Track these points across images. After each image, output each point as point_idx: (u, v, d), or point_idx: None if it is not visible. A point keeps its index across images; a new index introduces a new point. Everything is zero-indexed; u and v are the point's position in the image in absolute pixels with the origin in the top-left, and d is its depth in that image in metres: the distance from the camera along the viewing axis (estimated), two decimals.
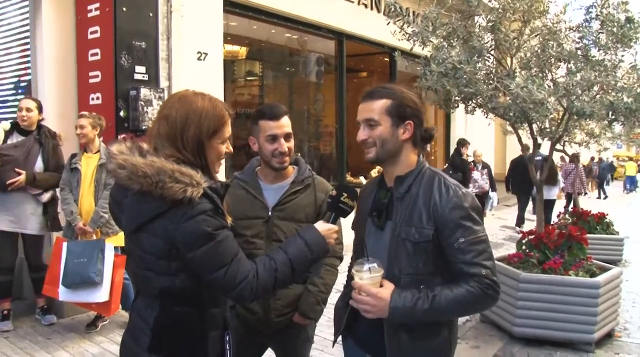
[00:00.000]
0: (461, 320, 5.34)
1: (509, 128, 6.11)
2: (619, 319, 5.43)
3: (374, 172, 10.18)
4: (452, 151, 12.03)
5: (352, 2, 9.44)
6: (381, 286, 1.95)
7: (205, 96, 1.88)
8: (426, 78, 5.13)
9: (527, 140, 5.97)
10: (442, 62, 4.93)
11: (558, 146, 6.03)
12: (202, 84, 5.06)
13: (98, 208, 4.85)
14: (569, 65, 5.18)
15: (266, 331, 2.60)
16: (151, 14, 5.87)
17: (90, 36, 5.72)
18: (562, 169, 13.67)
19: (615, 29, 4.90)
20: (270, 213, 2.54)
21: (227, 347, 1.95)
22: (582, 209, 9.05)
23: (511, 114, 5.10)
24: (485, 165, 11.34)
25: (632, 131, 7.60)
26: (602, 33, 5.01)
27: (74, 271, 4.58)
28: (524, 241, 5.53)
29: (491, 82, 5.16)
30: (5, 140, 5.01)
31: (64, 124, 5.61)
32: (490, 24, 5.25)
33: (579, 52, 5.09)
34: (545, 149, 6.30)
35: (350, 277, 2.13)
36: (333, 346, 2.45)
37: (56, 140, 5.20)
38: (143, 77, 5.76)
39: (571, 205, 12.72)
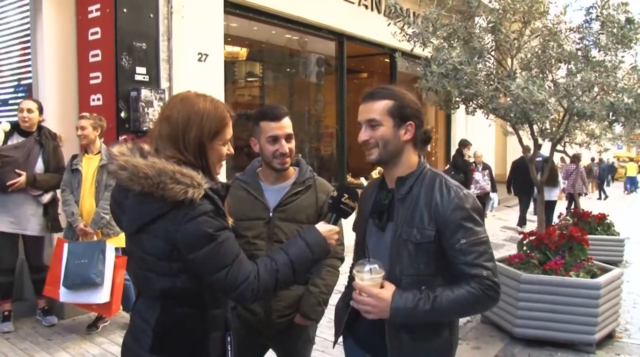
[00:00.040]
0: (462, 321, 5.34)
1: (510, 129, 6.11)
2: (620, 320, 5.43)
3: (375, 173, 10.19)
4: (452, 152, 12.03)
5: (353, 3, 9.45)
6: (382, 287, 1.95)
7: (207, 98, 1.88)
8: (427, 79, 5.13)
9: (528, 141, 5.97)
10: (443, 63, 4.94)
11: (559, 147, 6.03)
12: (203, 85, 5.05)
13: (99, 209, 4.85)
14: (570, 66, 5.18)
15: (267, 332, 2.60)
16: (152, 15, 5.88)
17: (90, 37, 5.73)
18: (564, 169, 13.66)
19: (615, 30, 4.90)
20: (271, 214, 2.54)
21: (229, 348, 1.95)
22: (582, 210, 9.05)
23: (512, 114, 5.10)
24: (486, 166, 11.34)
25: (633, 132, 7.59)
26: (603, 34, 5.02)
27: (75, 272, 4.58)
28: (524, 242, 5.53)
29: (492, 83, 5.17)
30: (5, 141, 5.01)
31: (65, 125, 5.61)
32: (490, 25, 5.26)
33: (580, 53, 5.09)
34: (545, 150, 6.30)
35: (351, 278, 2.13)
36: (334, 347, 2.44)
37: (57, 142, 5.21)
38: (144, 78, 5.77)
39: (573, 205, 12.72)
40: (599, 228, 8.69)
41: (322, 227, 1.97)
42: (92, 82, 5.77)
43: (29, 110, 5.00)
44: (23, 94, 6.04)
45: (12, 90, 6.31)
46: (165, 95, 5.90)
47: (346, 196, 2.02)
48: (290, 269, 1.85)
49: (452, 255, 1.95)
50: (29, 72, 5.95)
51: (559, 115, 5.57)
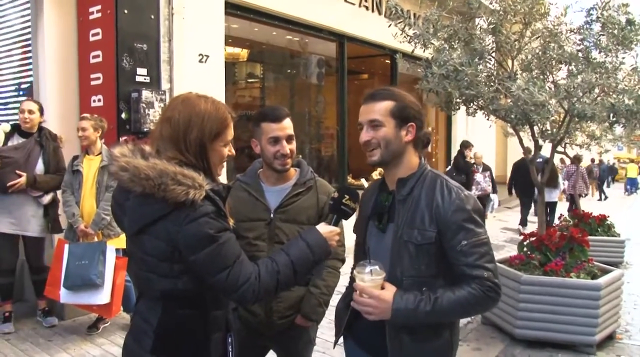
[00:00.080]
0: (462, 322, 5.34)
1: (510, 130, 6.11)
2: (620, 321, 5.43)
3: (375, 174, 10.18)
4: (453, 153, 12.02)
5: (353, 4, 9.45)
6: (382, 288, 1.95)
7: (208, 99, 1.89)
8: (427, 80, 5.13)
9: (529, 143, 5.97)
10: (444, 64, 4.93)
11: (559, 148, 6.03)
12: (204, 86, 5.06)
13: (100, 210, 4.86)
14: (570, 68, 5.18)
15: (268, 333, 2.60)
16: (152, 16, 5.89)
17: (91, 38, 5.73)
18: (565, 170, 13.66)
19: (616, 31, 4.90)
20: (272, 215, 2.54)
21: (230, 349, 1.95)
22: (583, 211, 9.05)
23: (512, 116, 5.10)
24: (486, 168, 11.33)
25: (633, 133, 7.59)
26: (603, 35, 5.02)
27: (76, 273, 4.59)
28: (525, 243, 5.53)
29: (492, 84, 5.17)
30: (5, 142, 5.02)
31: (66, 126, 5.61)
32: (491, 26, 5.26)
33: (580, 54, 5.09)
34: (546, 151, 6.30)
35: (352, 279, 2.13)
36: (334, 347, 2.45)
37: (57, 143, 5.21)
38: (144, 79, 5.77)
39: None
40: (599, 229, 8.70)
41: (323, 228, 1.97)
42: (93, 83, 5.77)
43: (30, 111, 5.01)
44: (24, 95, 6.04)
45: (12, 91, 6.31)
46: (166, 97, 5.91)
47: (347, 197, 2.02)
48: (291, 270, 1.85)
49: (453, 256, 1.96)
50: (30, 73, 5.95)
51: (559, 116, 5.57)
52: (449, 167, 11.13)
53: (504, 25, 5.28)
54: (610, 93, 5.00)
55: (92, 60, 5.75)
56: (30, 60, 5.93)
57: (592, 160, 25.14)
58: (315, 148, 10.95)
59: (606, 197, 23.73)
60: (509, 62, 5.45)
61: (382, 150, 2.02)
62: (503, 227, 12.46)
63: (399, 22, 5.31)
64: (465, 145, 10.67)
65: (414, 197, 2.03)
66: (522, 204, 12.06)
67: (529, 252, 5.40)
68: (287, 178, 2.63)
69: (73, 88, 5.88)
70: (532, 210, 12.13)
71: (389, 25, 5.43)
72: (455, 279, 1.97)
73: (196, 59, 6.51)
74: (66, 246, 4.73)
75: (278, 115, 2.50)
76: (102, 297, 4.63)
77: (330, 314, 2.52)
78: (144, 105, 5.64)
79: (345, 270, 2.60)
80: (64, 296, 4.69)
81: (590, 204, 16.44)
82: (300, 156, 2.84)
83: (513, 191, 12.18)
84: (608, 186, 29.96)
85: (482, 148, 12.06)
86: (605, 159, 29.90)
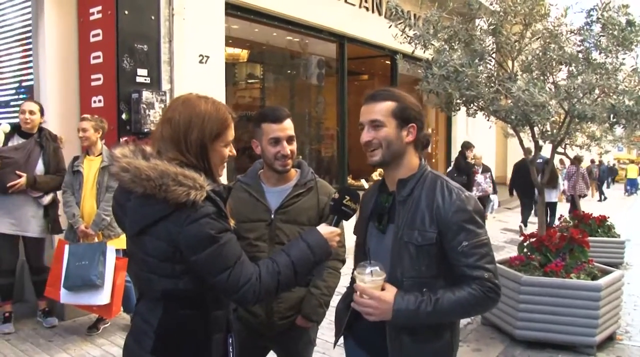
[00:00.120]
0: (463, 323, 5.34)
1: (510, 131, 6.11)
2: (621, 322, 5.43)
3: (375, 175, 10.19)
4: (453, 154, 12.01)
5: (354, 5, 9.45)
6: (383, 289, 1.95)
7: (209, 99, 1.89)
8: (428, 81, 5.13)
9: (529, 143, 5.97)
10: (444, 65, 4.94)
11: (559, 149, 6.03)
12: (204, 87, 5.06)
13: (100, 211, 4.86)
14: (570, 68, 5.18)
15: (268, 334, 2.60)
16: (153, 17, 5.89)
17: (92, 39, 5.74)
18: (565, 171, 13.65)
19: (616, 32, 4.90)
20: (273, 216, 2.54)
21: (230, 350, 1.95)
22: (583, 211, 9.05)
23: (513, 117, 5.11)
24: (486, 168, 11.32)
25: (633, 134, 7.59)
26: (603, 36, 5.02)
27: (76, 274, 4.59)
28: (525, 244, 5.54)
29: (493, 85, 5.17)
30: (5, 143, 5.02)
31: (66, 126, 5.62)
32: (491, 27, 5.26)
33: (580, 55, 5.09)
34: (546, 151, 6.30)
35: (354, 280, 2.13)
36: (334, 347, 2.45)
37: (57, 143, 5.21)
38: (145, 80, 5.78)
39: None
40: (599, 230, 8.70)
41: (324, 229, 1.98)
42: (93, 83, 5.77)
43: (31, 112, 5.01)
44: (24, 96, 6.04)
45: (13, 91, 6.32)
46: (167, 97, 5.91)
47: (348, 197, 2.02)
48: (292, 271, 1.85)
49: (454, 257, 1.96)
50: (31, 73, 5.96)
51: (559, 117, 5.57)
52: (450, 168, 11.12)
53: (504, 26, 5.28)
54: (611, 94, 5.00)
55: (92, 61, 5.76)
56: (31, 61, 5.93)
57: (592, 161, 25.15)
58: (315, 149, 10.95)
59: (605, 198, 23.74)
60: (509, 63, 5.45)
61: (383, 151, 2.03)
62: (503, 228, 12.46)
63: (400, 23, 5.32)
64: (467, 146, 10.66)
65: (414, 198, 2.03)
66: (523, 205, 12.05)
67: (529, 253, 5.40)
68: (288, 179, 2.63)
69: (73, 88, 5.88)
70: (533, 211, 12.12)
71: (390, 26, 5.44)
72: (456, 279, 1.97)
73: (196, 59, 6.51)
74: (66, 247, 4.73)
75: (279, 116, 2.50)
76: (102, 297, 4.63)
77: (330, 314, 2.52)
78: (144, 106, 5.64)
79: (345, 271, 2.60)
80: (64, 297, 4.69)
81: (590, 205, 16.43)
82: (300, 157, 2.84)
83: (514, 192, 12.18)
84: (608, 187, 29.97)
85: (482, 149, 12.07)
86: (606, 160, 29.89)
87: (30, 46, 5.91)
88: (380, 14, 10.02)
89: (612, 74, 4.97)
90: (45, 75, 5.70)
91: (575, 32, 5.24)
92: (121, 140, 5.49)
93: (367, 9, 9.80)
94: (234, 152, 1.96)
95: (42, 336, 4.98)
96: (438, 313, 1.91)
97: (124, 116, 5.63)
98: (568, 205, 13.86)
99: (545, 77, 5.27)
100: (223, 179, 2.00)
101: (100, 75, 5.70)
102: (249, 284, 1.76)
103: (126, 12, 5.58)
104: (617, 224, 9.24)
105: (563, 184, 12.88)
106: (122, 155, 1.78)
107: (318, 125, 11.19)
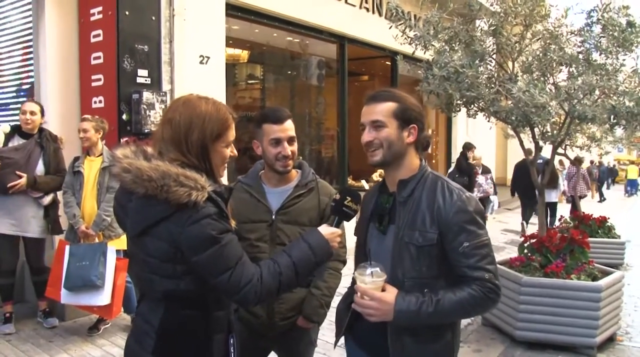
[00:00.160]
0: (463, 323, 5.34)
1: (511, 132, 6.11)
2: (621, 323, 5.43)
3: (376, 176, 10.19)
4: (453, 155, 11.99)
5: (354, 5, 9.46)
6: (383, 290, 1.95)
7: (209, 100, 1.89)
8: (428, 82, 5.13)
9: (529, 144, 5.97)
10: (444, 66, 4.93)
11: (560, 150, 6.03)
12: (205, 87, 5.07)
13: (100, 211, 4.86)
14: (571, 69, 5.18)
15: (270, 335, 2.60)
16: (154, 18, 5.90)
17: (93, 39, 5.74)
18: (566, 172, 13.64)
19: (616, 33, 4.90)
20: (273, 217, 2.54)
21: (232, 351, 1.95)
22: (583, 212, 9.05)
23: (513, 118, 5.11)
24: (486, 169, 11.32)
25: (633, 135, 7.60)
26: (604, 37, 5.02)
27: (76, 274, 4.59)
28: (525, 245, 5.54)
29: (493, 86, 5.17)
30: (5, 143, 5.02)
31: (67, 127, 5.62)
32: (492, 28, 5.26)
33: (581, 56, 5.09)
34: (546, 152, 6.30)
35: (355, 281, 2.14)
36: (334, 347, 2.45)
37: (57, 144, 5.21)
38: (145, 80, 5.78)
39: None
40: (599, 231, 8.69)
41: (325, 229, 1.98)
42: (94, 84, 5.78)
43: (32, 113, 5.01)
44: (25, 96, 6.05)
45: (13, 92, 6.33)
46: (167, 98, 5.91)
47: (349, 198, 2.02)
48: (293, 272, 1.85)
49: (454, 258, 1.96)
50: (31, 74, 5.97)
51: (560, 118, 5.57)
52: (452, 169, 11.11)
53: (505, 27, 5.28)
54: (611, 95, 5.00)
55: (93, 62, 5.76)
56: (32, 61, 5.94)
57: (592, 162, 25.13)
58: (315, 149, 10.95)
59: (604, 199, 23.73)
60: (510, 64, 5.45)
61: (384, 151, 2.03)
62: (503, 229, 12.46)
63: (400, 24, 5.32)
64: (468, 147, 10.66)
65: (414, 198, 2.03)
66: (523, 205, 12.05)
67: (529, 254, 5.40)
68: (289, 180, 2.63)
69: (74, 89, 5.89)
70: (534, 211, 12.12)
71: (390, 27, 5.44)
72: (456, 280, 1.97)
73: (197, 60, 6.52)
74: (67, 247, 4.74)
75: (279, 117, 2.50)
76: (103, 298, 4.63)
77: (331, 315, 2.52)
78: (144, 106, 5.65)
79: (346, 272, 2.60)
80: (65, 297, 4.70)
81: (590, 206, 16.43)
82: (301, 158, 2.84)
83: (515, 193, 12.17)
84: (608, 188, 29.96)
85: (482, 150, 12.07)
86: (606, 160, 29.88)
87: (31, 47, 5.92)
88: (380, 14, 10.03)
89: (613, 75, 4.97)
90: (46, 75, 5.70)
91: (575, 33, 5.24)
92: (122, 140, 5.50)
93: (367, 9, 9.81)
94: (235, 152, 1.96)
95: (42, 336, 4.98)
96: (439, 314, 1.92)
97: (124, 117, 5.63)
98: (569, 206, 13.86)
99: (546, 78, 5.27)
100: (223, 180, 2.00)
101: (100, 76, 5.70)
102: (250, 284, 1.76)
103: (127, 13, 5.59)
104: (617, 225, 9.23)
105: (563, 185, 12.87)
106: (123, 156, 1.79)
107: (318, 126, 11.19)
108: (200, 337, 1.85)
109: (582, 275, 5.01)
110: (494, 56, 5.49)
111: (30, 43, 5.92)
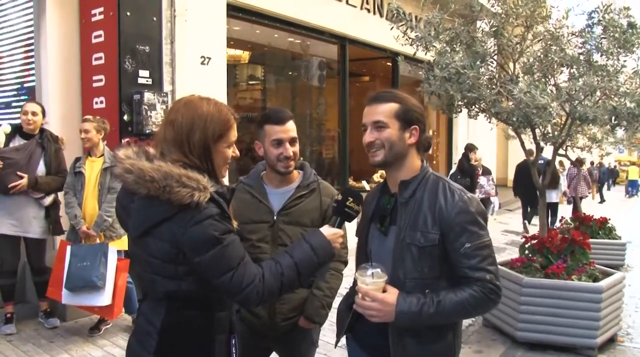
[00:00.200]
0: (464, 324, 5.32)
1: (512, 133, 6.11)
2: (622, 323, 5.43)
3: (377, 177, 10.19)
4: (454, 156, 11.98)
5: (355, 6, 9.46)
6: (384, 291, 1.95)
7: (211, 101, 1.89)
8: (429, 83, 5.13)
9: (530, 145, 5.97)
10: (446, 67, 4.93)
11: (560, 151, 6.03)
12: (206, 88, 5.07)
13: (102, 212, 4.86)
14: (572, 71, 5.19)
15: (271, 335, 2.61)
16: (155, 19, 5.90)
17: (94, 40, 5.75)
18: (567, 173, 13.64)
19: (617, 35, 4.91)
20: (275, 217, 2.54)
21: (233, 351, 1.95)
22: (584, 213, 9.06)
23: (514, 118, 5.11)
24: (486, 170, 11.32)
25: (634, 136, 7.61)
26: (605, 38, 5.02)
27: (77, 275, 4.59)
28: (526, 246, 5.53)
29: (494, 87, 5.17)
30: (6, 144, 5.02)
31: (68, 127, 5.63)
32: (493, 29, 5.27)
33: (582, 57, 5.10)
34: (547, 153, 6.30)
35: (356, 282, 2.14)
36: (335, 347, 2.45)
37: (58, 144, 5.21)
38: (147, 81, 5.79)
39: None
40: (600, 232, 8.69)
41: (327, 230, 1.98)
42: (95, 85, 5.78)
43: (34, 113, 5.01)
44: (26, 97, 6.05)
45: (15, 92, 6.33)
46: (168, 99, 5.92)
47: (351, 199, 2.02)
48: (295, 272, 1.85)
49: (456, 258, 1.96)
50: (32, 74, 5.97)
51: (561, 119, 5.57)
52: (453, 169, 11.11)
53: (506, 28, 5.28)
54: (612, 96, 5.00)
55: (94, 62, 5.77)
56: (33, 62, 5.94)
57: (592, 163, 25.12)
58: (316, 150, 10.96)
59: (603, 201, 23.71)
60: (511, 65, 5.45)
61: (386, 152, 2.03)
62: (504, 230, 12.45)
63: (401, 25, 5.32)
64: (470, 148, 10.65)
65: (416, 199, 2.03)
66: (524, 205, 12.05)
67: (530, 255, 5.40)
68: (290, 180, 2.63)
69: (75, 90, 5.90)
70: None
71: (391, 28, 5.44)
72: (456, 280, 1.97)
73: (198, 61, 6.52)
74: (68, 248, 4.74)
75: (281, 118, 2.51)
76: (104, 298, 4.63)
77: (332, 316, 2.52)
78: (146, 107, 5.65)
79: (347, 272, 2.60)
80: (66, 297, 4.70)
81: (591, 207, 16.42)
82: (302, 159, 2.85)
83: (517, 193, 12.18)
84: (609, 189, 29.95)
85: (483, 151, 12.07)
86: (607, 161, 29.87)
87: (32, 47, 5.93)
88: (381, 15, 10.04)
89: (614, 76, 4.98)
90: (47, 76, 5.71)
91: (576, 34, 5.25)
92: (123, 141, 5.50)
93: (368, 10, 9.81)
94: (237, 153, 1.96)
95: (43, 336, 4.98)
96: (440, 314, 1.92)
97: (125, 117, 5.64)
98: (570, 207, 13.86)
99: (547, 79, 5.28)
100: (224, 181, 2.00)
101: (102, 77, 5.71)
102: (252, 285, 1.76)
103: (128, 14, 5.60)
104: (618, 226, 9.23)
105: (564, 186, 12.87)
106: (125, 157, 1.79)
107: (319, 127, 11.20)
108: (202, 337, 1.85)
109: (583, 276, 5.01)
110: (495, 57, 5.50)
111: (32, 44, 5.93)
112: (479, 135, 13.09)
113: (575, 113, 4.91)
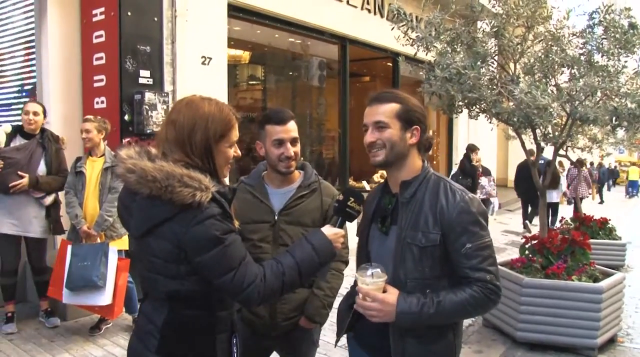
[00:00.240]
0: (464, 324, 5.33)
1: (512, 133, 6.11)
2: (622, 324, 5.44)
3: (377, 177, 10.19)
4: (454, 156, 11.97)
5: (356, 7, 9.46)
6: (384, 291, 1.95)
7: (212, 101, 1.90)
8: (430, 83, 5.13)
9: (531, 146, 5.97)
10: (446, 67, 4.93)
11: (561, 151, 6.03)
12: (206, 88, 5.06)
13: (102, 211, 4.87)
14: (573, 71, 5.19)
15: (272, 335, 2.61)
16: (156, 19, 5.91)
17: (95, 40, 5.76)
18: (568, 173, 13.63)
19: (618, 35, 4.91)
20: (276, 217, 2.55)
21: (234, 350, 1.96)
22: (584, 214, 9.06)
23: (515, 119, 5.10)
24: (486, 171, 11.31)
25: (635, 136, 7.61)
26: (606, 39, 5.02)
27: (78, 274, 4.60)
28: (527, 246, 5.54)
29: (495, 87, 5.17)
30: (7, 143, 5.03)
31: (69, 127, 5.64)
32: (494, 30, 5.27)
33: (583, 57, 5.10)
34: (547, 153, 6.30)
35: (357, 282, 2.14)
36: (335, 346, 2.46)
37: (59, 144, 5.22)
38: (147, 81, 5.79)
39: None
40: (600, 232, 8.69)
41: (328, 230, 1.98)
42: (96, 85, 5.79)
43: (35, 113, 5.02)
44: (27, 97, 6.06)
45: (16, 92, 6.33)
46: (169, 99, 5.92)
47: (352, 199, 2.03)
48: (297, 272, 1.85)
49: (456, 258, 1.97)
50: (33, 74, 5.98)
51: (561, 119, 5.57)
52: (455, 170, 11.10)
53: (507, 28, 5.28)
54: (613, 96, 5.00)
55: (95, 62, 5.78)
56: (34, 62, 5.95)
57: (591, 164, 25.10)
58: (316, 150, 10.95)
59: (602, 201, 23.70)
60: (512, 65, 5.45)
61: (387, 152, 2.03)
62: (504, 230, 12.46)
63: (402, 25, 5.31)
64: (472, 148, 10.64)
65: (417, 199, 2.04)
66: (524, 205, 12.04)
67: (530, 255, 5.40)
68: (291, 180, 2.63)
69: (76, 90, 5.90)
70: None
71: (392, 28, 5.44)
72: (457, 280, 1.98)
73: (199, 61, 6.53)
74: (69, 247, 4.76)
75: (282, 118, 2.51)
76: (104, 298, 4.64)
77: (333, 316, 2.53)
78: (147, 107, 5.66)
79: (348, 272, 2.61)
80: (67, 297, 4.71)
81: (591, 207, 16.42)
82: (302, 159, 2.85)
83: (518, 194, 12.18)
84: (609, 189, 29.93)
85: (483, 151, 12.06)
86: (607, 162, 29.85)
87: (33, 47, 5.94)
88: (382, 16, 10.04)
89: (614, 76, 4.97)
90: (48, 76, 5.72)
91: (577, 34, 5.24)
92: (124, 141, 5.51)
93: (369, 11, 9.81)
94: (239, 152, 1.96)
95: (44, 336, 4.99)
96: (440, 314, 1.93)
97: (126, 117, 5.65)
98: (570, 207, 13.86)
99: (548, 80, 5.27)
100: (226, 181, 2.01)
101: (102, 77, 5.72)
102: (253, 284, 1.76)
103: (129, 14, 5.60)
104: (618, 227, 9.24)
105: (564, 186, 12.86)
106: (127, 157, 1.79)
107: (319, 127, 11.19)
108: (203, 337, 1.85)
109: (583, 276, 5.01)
110: (496, 58, 5.50)
111: (33, 44, 5.94)
112: (479, 135, 13.08)
113: (575, 113, 4.91)
